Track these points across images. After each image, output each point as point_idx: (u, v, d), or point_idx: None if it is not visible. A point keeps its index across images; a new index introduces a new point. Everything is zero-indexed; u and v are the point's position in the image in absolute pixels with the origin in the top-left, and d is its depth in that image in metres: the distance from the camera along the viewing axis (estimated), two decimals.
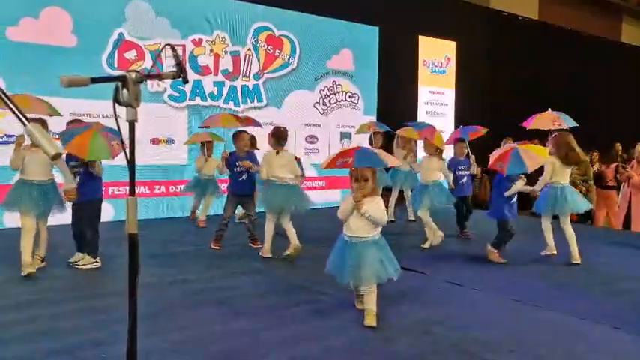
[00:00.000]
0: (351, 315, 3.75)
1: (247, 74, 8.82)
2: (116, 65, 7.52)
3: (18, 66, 6.73)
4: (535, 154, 5.09)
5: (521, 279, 4.85)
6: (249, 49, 8.82)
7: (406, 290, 4.38)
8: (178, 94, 8.17)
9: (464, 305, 4.07)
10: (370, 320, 3.53)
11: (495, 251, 5.47)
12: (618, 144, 11.32)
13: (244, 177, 5.81)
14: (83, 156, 4.56)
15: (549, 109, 6.21)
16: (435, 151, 6.30)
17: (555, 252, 5.63)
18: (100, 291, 4.24)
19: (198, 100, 8.35)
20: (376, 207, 3.46)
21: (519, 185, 5.32)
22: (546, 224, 5.62)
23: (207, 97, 8.44)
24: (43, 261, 4.87)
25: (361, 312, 3.67)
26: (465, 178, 6.69)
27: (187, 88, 8.20)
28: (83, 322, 3.49)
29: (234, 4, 8.62)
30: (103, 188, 5.27)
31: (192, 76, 8.25)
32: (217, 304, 3.93)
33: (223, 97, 8.60)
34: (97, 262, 4.94)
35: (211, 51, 8.46)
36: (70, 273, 4.77)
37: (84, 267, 4.87)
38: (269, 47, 9.05)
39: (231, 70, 8.65)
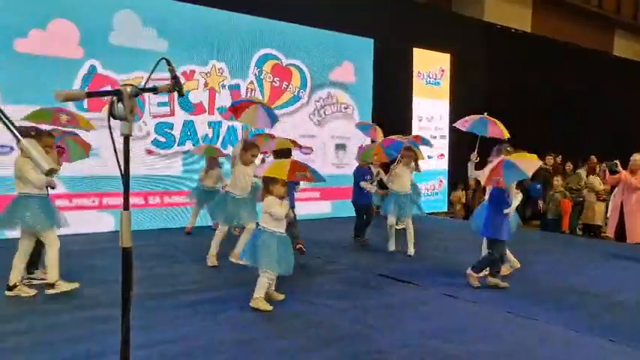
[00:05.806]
0: (346, 327, 3.74)
1: None
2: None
3: (23, 77, 6.69)
4: (526, 158, 4.73)
5: (516, 292, 4.84)
6: (251, 82, 7.93)
7: (401, 302, 4.38)
8: (165, 140, 7.21)
9: (459, 318, 4.07)
10: None
11: (476, 275, 4.96)
12: (593, 156, 11.19)
13: None
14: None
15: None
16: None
17: (519, 265, 5.48)
18: (97, 302, 4.20)
19: (189, 146, 7.42)
20: None
21: (518, 201, 5.19)
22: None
23: (201, 141, 7.45)
24: None
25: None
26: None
27: (176, 131, 7.26)
28: (79, 334, 3.47)
29: (231, 26, 7.79)
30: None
31: (182, 116, 7.30)
32: (214, 315, 3.91)
33: (220, 140, 7.69)
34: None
35: (206, 85, 7.46)
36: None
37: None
38: (275, 79, 7.98)
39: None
